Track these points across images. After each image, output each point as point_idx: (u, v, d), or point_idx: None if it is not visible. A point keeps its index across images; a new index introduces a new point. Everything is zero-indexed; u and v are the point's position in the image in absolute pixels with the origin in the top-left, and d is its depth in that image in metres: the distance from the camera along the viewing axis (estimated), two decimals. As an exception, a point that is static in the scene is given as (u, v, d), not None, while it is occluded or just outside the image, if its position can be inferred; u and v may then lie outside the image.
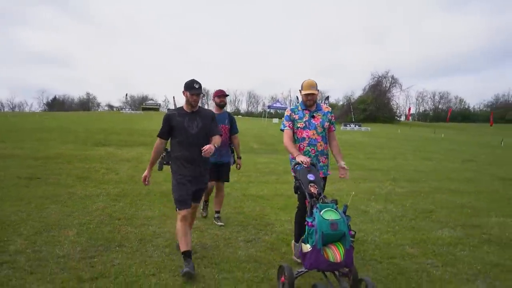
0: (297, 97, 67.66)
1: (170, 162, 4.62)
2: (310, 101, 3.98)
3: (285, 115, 4.12)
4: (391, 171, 11.87)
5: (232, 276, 3.69)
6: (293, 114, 4.08)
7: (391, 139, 28.51)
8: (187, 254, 3.68)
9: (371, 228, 5.57)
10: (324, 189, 3.79)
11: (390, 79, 76.42)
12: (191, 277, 3.49)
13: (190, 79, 3.85)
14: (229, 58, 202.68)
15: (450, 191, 8.78)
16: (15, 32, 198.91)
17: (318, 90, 4.04)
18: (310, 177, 3.47)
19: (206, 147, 3.65)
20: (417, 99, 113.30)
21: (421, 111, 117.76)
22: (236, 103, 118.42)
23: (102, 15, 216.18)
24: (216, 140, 3.92)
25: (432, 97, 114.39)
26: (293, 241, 4.27)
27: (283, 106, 54.57)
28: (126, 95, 74.87)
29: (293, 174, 3.76)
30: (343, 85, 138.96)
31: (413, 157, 16.26)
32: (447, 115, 79.67)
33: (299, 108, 4.10)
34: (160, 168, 4.76)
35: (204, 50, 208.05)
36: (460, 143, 28.14)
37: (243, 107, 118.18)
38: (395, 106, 76.97)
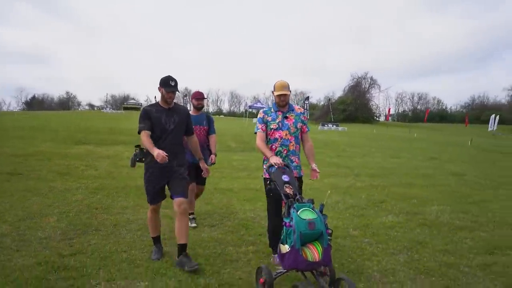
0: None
1: (143, 159, 5.03)
2: (283, 101, 4.01)
3: (258, 117, 4.14)
4: (357, 167, 12.65)
5: (193, 252, 4.31)
6: (266, 116, 4.09)
7: (365, 139, 29.53)
8: (156, 239, 4.10)
9: (324, 215, 6.27)
10: (301, 190, 3.91)
11: (369, 80, 78.50)
12: (159, 259, 3.98)
13: (166, 75, 3.85)
14: (212, 58, 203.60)
15: (405, 185, 9.59)
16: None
17: (290, 91, 4.08)
18: (285, 178, 3.49)
19: (205, 171, 4.41)
20: (396, 100, 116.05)
21: (400, 111, 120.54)
22: (219, 103, 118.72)
23: (82, 12, 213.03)
24: (194, 146, 4.25)
25: (411, 98, 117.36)
26: (272, 255, 4.14)
27: (264, 106, 55.42)
28: (107, 94, 73.97)
29: (264, 175, 4.00)
30: (325, 85, 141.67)
31: (381, 155, 17.14)
32: (425, 115, 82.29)
33: (272, 109, 4.12)
34: (133, 165, 5.10)
35: (187, 49, 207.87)
36: (431, 142, 29.36)
37: (225, 107, 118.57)
38: (374, 106, 78.82)
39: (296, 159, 4.09)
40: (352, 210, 6.72)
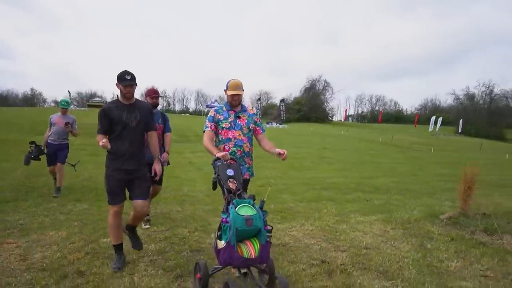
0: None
1: (39, 157, 6.63)
2: (236, 101, 3.89)
3: (208, 115, 3.98)
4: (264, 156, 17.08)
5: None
6: (217, 115, 3.93)
7: (292, 135, 34.28)
8: (118, 247, 3.77)
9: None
10: (246, 191, 3.83)
11: (323, 82, 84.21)
12: (120, 269, 3.61)
13: (122, 70, 3.64)
14: (179, 55, 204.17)
15: (292, 168, 13.87)
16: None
17: (243, 90, 3.96)
18: (230, 172, 3.40)
19: (157, 172, 3.89)
20: (356, 101, 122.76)
21: (359, 112, 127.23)
22: (185, 102, 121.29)
23: (51, 7, 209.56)
24: (155, 143, 3.99)
25: (369, 100, 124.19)
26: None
27: (220, 105, 59.70)
28: (69, 92, 75.93)
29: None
30: (289, 85, 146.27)
31: (290, 146, 21.64)
32: (381, 117, 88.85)
33: (224, 108, 3.97)
34: (27, 163, 6.48)
35: (155, 46, 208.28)
36: (349, 138, 34.53)
37: (191, 106, 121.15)
38: (327, 107, 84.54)
39: (249, 160, 3.99)
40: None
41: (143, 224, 5.10)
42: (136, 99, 3.83)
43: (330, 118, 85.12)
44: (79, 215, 5.69)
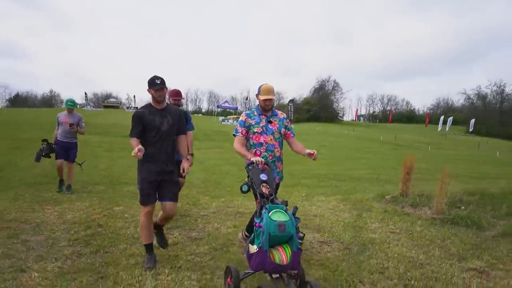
0: (247, 97, 74.50)
1: (50, 155, 6.81)
2: (268, 106, 3.89)
3: (239, 120, 3.99)
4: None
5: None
6: (249, 119, 3.94)
7: (296, 134, 35.63)
8: (149, 247, 3.82)
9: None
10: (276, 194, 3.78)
11: (332, 83, 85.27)
12: (151, 270, 3.65)
13: (152, 76, 3.78)
14: (191, 55, 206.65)
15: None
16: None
17: (275, 95, 3.96)
18: (263, 177, 3.42)
19: (185, 169, 3.82)
20: (367, 101, 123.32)
21: (371, 112, 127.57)
22: (198, 102, 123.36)
23: (66, 7, 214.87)
24: (184, 147, 4.01)
25: (381, 100, 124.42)
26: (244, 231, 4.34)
27: (231, 106, 61.58)
28: (86, 93, 78.60)
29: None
30: (299, 85, 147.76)
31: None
32: (392, 117, 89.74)
33: (255, 112, 3.97)
34: (37, 159, 6.64)
35: (168, 46, 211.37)
36: (351, 137, 35.74)
37: (204, 106, 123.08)
38: (337, 107, 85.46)
39: (280, 165, 4.01)
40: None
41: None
42: (168, 103, 4.02)
43: (340, 118, 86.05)
44: (97, 193, 7.27)
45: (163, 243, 4.18)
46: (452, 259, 4.29)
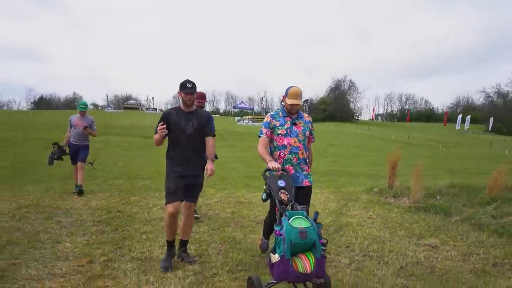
0: (262, 98, 75.28)
1: (62, 157, 7.05)
2: (294, 109, 3.85)
3: (264, 121, 3.95)
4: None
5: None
6: (273, 120, 3.90)
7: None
8: (170, 244, 3.93)
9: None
10: (309, 199, 3.85)
11: (348, 82, 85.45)
12: (167, 271, 3.73)
13: (184, 79, 3.88)
14: (208, 55, 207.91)
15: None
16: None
17: (302, 98, 3.92)
18: (281, 183, 3.37)
19: (209, 171, 3.89)
20: (385, 100, 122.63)
21: (389, 111, 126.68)
22: (215, 103, 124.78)
23: (76, 7, 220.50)
24: (211, 149, 4.03)
25: (399, 98, 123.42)
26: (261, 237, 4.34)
27: (247, 106, 62.72)
28: (107, 95, 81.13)
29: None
30: (317, 84, 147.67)
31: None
32: (408, 115, 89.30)
33: (280, 114, 3.93)
34: (51, 163, 6.86)
35: (185, 46, 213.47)
36: (362, 136, 36.21)
37: (221, 107, 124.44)
38: (353, 106, 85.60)
39: (306, 167, 3.93)
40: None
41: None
42: (197, 107, 4.13)
43: (356, 118, 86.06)
44: (117, 186, 8.28)
45: (191, 260, 4.06)
46: (412, 238, 5.05)
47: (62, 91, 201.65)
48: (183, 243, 4.12)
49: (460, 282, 3.68)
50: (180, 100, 3.96)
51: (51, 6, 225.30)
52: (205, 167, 4.00)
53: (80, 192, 7.04)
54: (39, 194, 7.00)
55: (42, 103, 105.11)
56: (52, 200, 6.53)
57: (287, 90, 3.84)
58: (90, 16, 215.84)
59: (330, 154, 18.35)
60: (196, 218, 5.39)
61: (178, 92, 3.92)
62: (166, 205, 3.87)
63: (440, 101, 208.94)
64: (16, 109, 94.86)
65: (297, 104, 3.82)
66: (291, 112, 3.87)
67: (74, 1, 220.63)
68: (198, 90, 4.26)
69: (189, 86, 3.84)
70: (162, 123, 3.80)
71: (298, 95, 3.81)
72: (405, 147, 27.24)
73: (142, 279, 3.54)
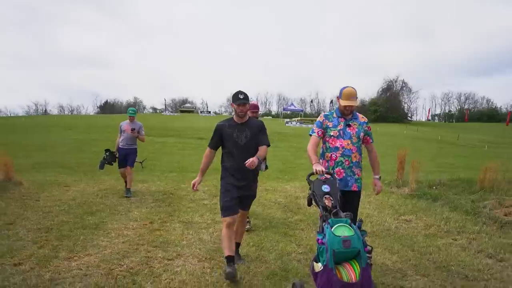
0: (311, 100, 75.83)
1: (112, 163, 7.52)
2: (348, 111, 3.72)
3: (317, 120, 3.86)
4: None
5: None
6: (326, 120, 3.79)
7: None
8: (230, 259, 3.73)
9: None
10: (358, 206, 3.80)
11: (401, 83, 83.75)
12: (233, 277, 3.59)
13: (236, 91, 3.87)
14: (261, 57, 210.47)
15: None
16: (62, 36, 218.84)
17: (357, 99, 3.78)
18: (325, 188, 3.21)
19: (249, 160, 3.64)
20: (442, 100, 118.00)
21: (446, 111, 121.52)
22: (267, 105, 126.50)
23: (143, 15, 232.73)
24: (261, 152, 3.88)
25: (458, 98, 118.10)
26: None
27: (297, 109, 64.11)
28: (165, 100, 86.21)
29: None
30: (370, 85, 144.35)
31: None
32: (470, 115, 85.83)
33: (334, 114, 3.82)
34: (101, 167, 7.44)
35: (238, 48, 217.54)
36: (404, 137, 36.11)
37: (273, 109, 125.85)
38: (405, 107, 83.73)
39: (359, 171, 3.78)
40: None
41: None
42: (250, 117, 4.07)
43: (410, 118, 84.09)
44: (171, 177, 10.30)
45: (240, 260, 4.16)
46: (394, 215, 6.39)
47: (125, 96, 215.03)
48: (236, 245, 4.16)
49: (408, 240, 5.05)
50: (233, 112, 3.98)
51: (117, 16, 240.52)
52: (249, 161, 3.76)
53: (126, 191, 7.60)
54: (112, 182, 9.12)
55: (107, 107, 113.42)
56: (122, 186, 8.55)
57: (341, 90, 3.74)
58: (150, 21, 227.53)
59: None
60: (247, 229, 5.25)
61: (231, 104, 3.96)
62: (222, 218, 3.87)
63: (505, 100, 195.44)
64: (84, 114, 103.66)
65: (351, 106, 3.70)
66: (345, 113, 3.76)
67: (137, 11, 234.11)
68: (250, 93, 4.64)
69: (241, 97, 3.83)
70: (193, 184, 4.03)
71: (352, 95, 3.68)
72: (443, 148, 27.30)
73: (185, 232, 5.31)
